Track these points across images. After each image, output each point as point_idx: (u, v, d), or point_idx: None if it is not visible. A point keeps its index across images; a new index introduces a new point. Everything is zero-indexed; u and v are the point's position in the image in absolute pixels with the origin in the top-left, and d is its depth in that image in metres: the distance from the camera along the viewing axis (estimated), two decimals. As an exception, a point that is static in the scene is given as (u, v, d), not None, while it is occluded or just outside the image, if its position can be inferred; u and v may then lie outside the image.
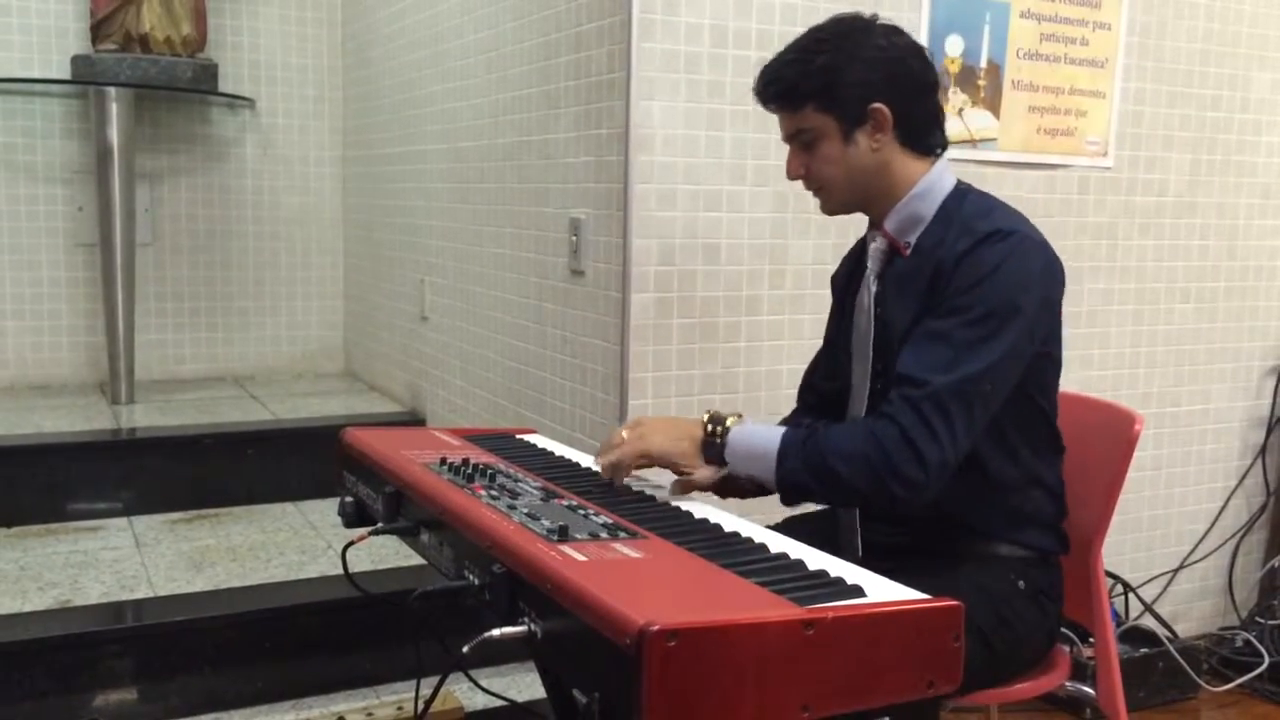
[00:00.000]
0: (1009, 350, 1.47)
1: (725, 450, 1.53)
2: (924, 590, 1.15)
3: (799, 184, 1.65)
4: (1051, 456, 1.65)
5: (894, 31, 1.59)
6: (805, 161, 1.61)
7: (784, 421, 1.83)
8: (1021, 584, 1.58)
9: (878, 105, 1.55)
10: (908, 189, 1.60)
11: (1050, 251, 1.55)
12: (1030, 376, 1.54)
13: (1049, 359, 1.60)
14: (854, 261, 1.79)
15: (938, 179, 1.61)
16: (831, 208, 1.66)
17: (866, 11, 1.63)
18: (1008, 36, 2.55)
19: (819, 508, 1.78)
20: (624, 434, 1.56)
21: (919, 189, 1.60)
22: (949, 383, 1.44)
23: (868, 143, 1.57)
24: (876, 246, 1.66)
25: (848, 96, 1.55)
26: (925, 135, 1.61)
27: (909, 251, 1.61)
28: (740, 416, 1.56)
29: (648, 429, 1.56)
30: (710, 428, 1.55)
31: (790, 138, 1.62)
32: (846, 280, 1.80)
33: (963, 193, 1.62)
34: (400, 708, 2.20)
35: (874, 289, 1.66)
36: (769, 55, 1.63)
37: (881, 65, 1.56)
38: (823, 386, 1.83)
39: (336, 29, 4.18)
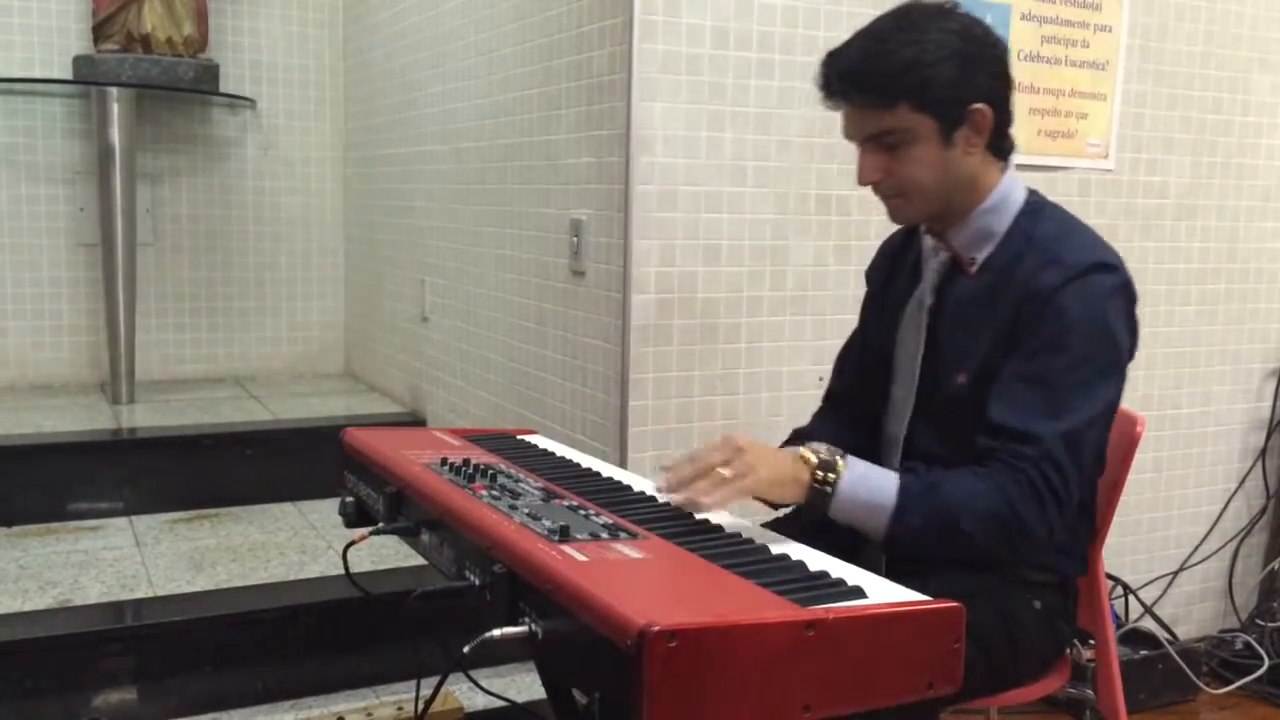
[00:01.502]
0: (1114, 393, 1.41)
1: (833, 500, 1.38)
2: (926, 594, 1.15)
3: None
4: (1096, 477, 1.59)
5: (980, 23, 1.46)
6: (887, 165, 1.47)
7: (818, 414, 1.80)
8: (1037, 604, 1.54)
9: (979, 106, 1.44)
10: (983, 198, 1.50)
11: (1131, 278, 1.47)
12: None
13: None
14: (893, 259, 1.70)
15: (1009, 191, 1.52)
16: (909, 216, 1.55)
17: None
18: (1009, 38, 2.55)
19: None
20: (722, 461, 1.35)
21: (991, 202, 1.50)
22: (1061, 433, 1.36)
23: (964, 146, 1.46)
24: (938, 260, 1.56)
25: (950, 94, 1.42)
26: (1008, 138, 1.52)
27: (975, 269, 1.52)
28: (842, 457, 1.40)
29: (755, 463, 1.35)
30: (820, 474, 1.38)
31: (869, 138, 1.47)
32: (886, 280, 1.70)
33: (1036, 208, 1.52)
34: (400, 708, 2.20)
35: (929, 303, 1.57)
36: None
37: (983, 62, 1.44)
38: (857, 393, 1.76)
39: (338, 30, 4.18)
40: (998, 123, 1.47)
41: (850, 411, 1.76)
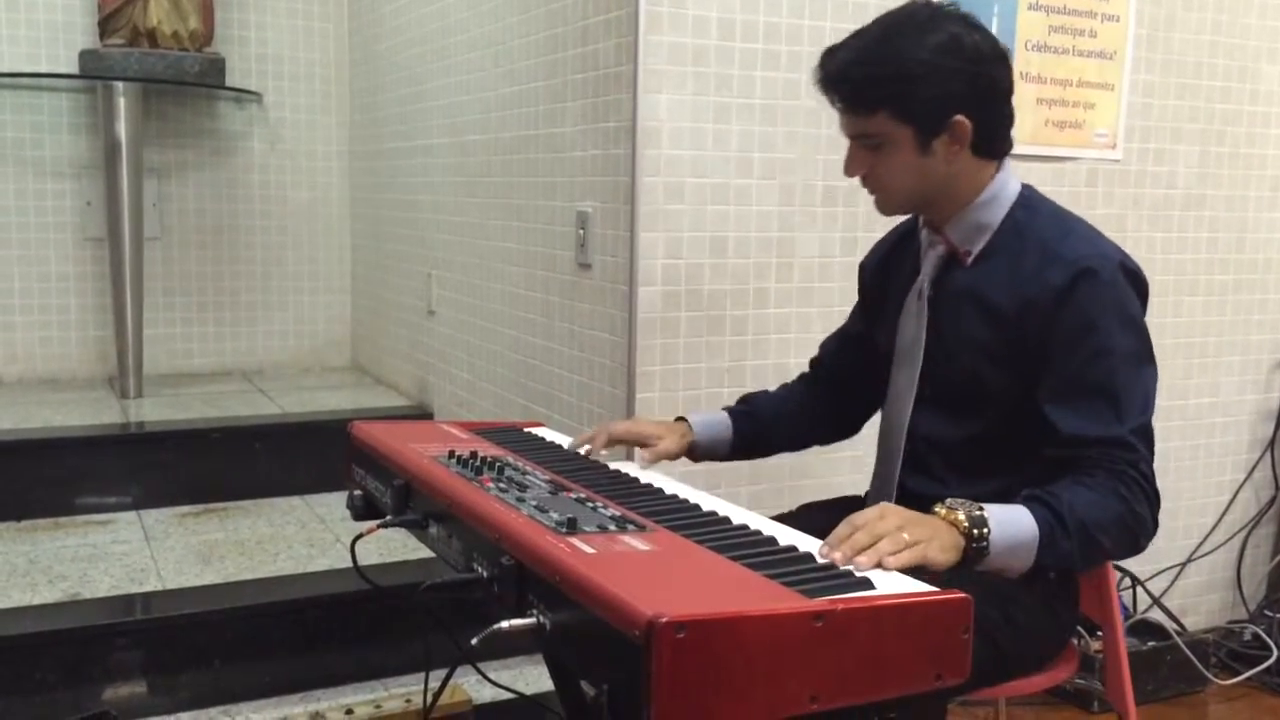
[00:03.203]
0: (1154, 376, 1.48)
1: (990, 553, 1.32)
2: (931, 584, 1.15)
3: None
4: None
5: (975, 28, 1.50)
6: (869, 163, 1.54)
7: (785, 387, 1.89)
8: (1035, 589, 1.53)
9: (959, 118, 1.48)
10: (974, 196, 1.55)
11: (1135, 264, 1.52)
12: None
13: None
14: (889, 251, 1.75)
15: (1003, 185, 1.56)
16: (890, 210, 1.61)
17: None
18: (1016, 28, 2.54)
19: (832, 497, 1.78)
20: (895, 529, 1.24)
21: (985, 196, 1.55)
22: (1134, 430, 1.43)
23: (944, 153, 1.50)
24: (935, 253, 1.61)
25: (928, 107, 1.47)
26: (998, 142, 1.55)
27: (970, 260, 1.57)
28: (980, 509, 1.33)
29: (920, 533, 1.25)
30: (975, 532, 1.31)
31: (854, 137, 1.54)
32: (881, 272, 1.76)
33: (1030, 202, 1.57)
34: (409, 700, 2.21)
35: (929, 293, 1.61)
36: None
37: (965, 75, 1.47)
38: (834, 367, 1.85)
39: (343, 23, 4.18)
40: (983, 130, 1.50)
41: (826, 378, 1.86)
